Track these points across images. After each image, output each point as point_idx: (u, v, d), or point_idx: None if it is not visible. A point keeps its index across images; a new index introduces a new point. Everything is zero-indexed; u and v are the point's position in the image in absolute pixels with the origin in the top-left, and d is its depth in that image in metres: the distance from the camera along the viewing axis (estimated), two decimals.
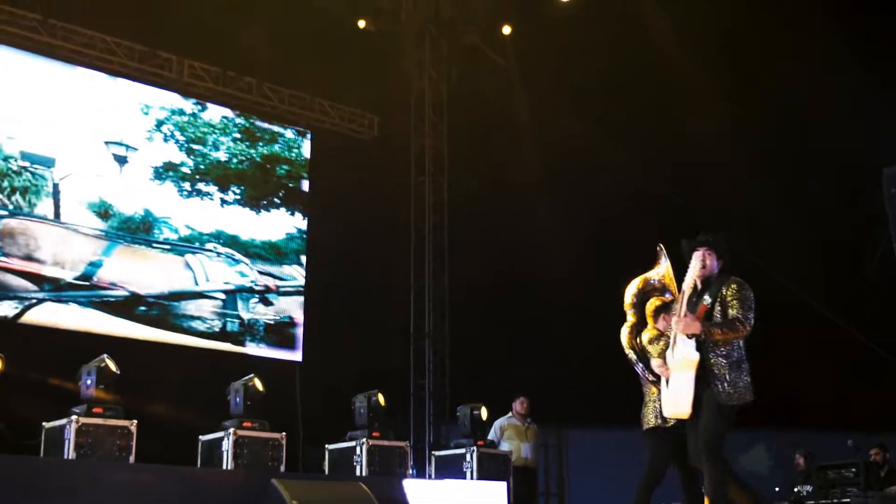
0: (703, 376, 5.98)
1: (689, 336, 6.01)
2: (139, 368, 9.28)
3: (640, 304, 7.28)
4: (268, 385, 8.99)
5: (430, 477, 10.07)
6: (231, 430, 8.33)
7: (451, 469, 9.68)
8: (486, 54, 14.51)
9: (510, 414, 11.13)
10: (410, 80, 14.82)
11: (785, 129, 12.86)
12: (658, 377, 6.78)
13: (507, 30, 14.33)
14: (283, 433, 8.65)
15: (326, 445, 9.43)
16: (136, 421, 7.82)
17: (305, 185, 14.14)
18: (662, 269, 7.23)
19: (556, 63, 13.57)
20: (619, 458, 12.55)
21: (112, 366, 8.15)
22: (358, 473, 8.83)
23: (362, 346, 12.75)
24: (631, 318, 7.29)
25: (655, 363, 6.84)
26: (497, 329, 13.14)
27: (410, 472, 9.29)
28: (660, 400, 6.74)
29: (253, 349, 13.02)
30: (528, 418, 11.13)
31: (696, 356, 5.98)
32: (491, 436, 10.69)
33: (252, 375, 8.91)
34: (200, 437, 8.77)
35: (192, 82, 13.26)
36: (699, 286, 6.24)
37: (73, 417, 7.57)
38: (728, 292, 6.04)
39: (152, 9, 12.15)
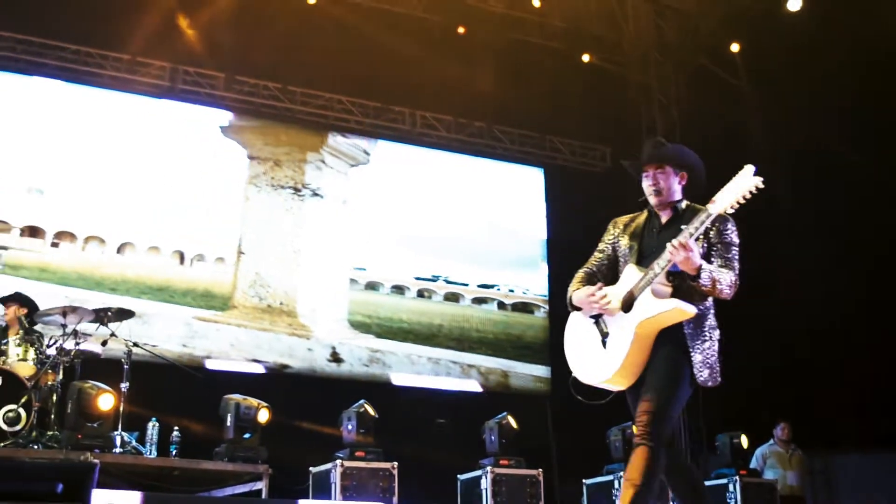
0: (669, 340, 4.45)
1: (670, 278, 4.41)
2: (393, 411, 9.55)
3: None
4: (520, 421, 9.06)
5: None
6: (488, 469, 8.45)
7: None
8: (716, 74, 14.12)
9: (772, 441, 10.70)
10: (639, 108, 14.63)
11: None
12: None
13: (735, 47, 13.87)
14: (540, 469, 8.67)
15: (584, 480, 9.37)
16: (396, 463, 8.07)
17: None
18: None
19: (790, 74, 12.99)
20: (892, 483, 11.80)
21: (370, 410, 8.49)
22: None
23: None
24: None
25: None
26: (749, 352, 12.60)
27: None
28: None
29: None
30: (792, 444, 10.66)
31: (693, 309, 4.39)
32: (753, 465, 10.31)
33: (505, 413, 9.01)
34: (459, 476, 8.93)
35: (426, 132, 13.65)
36: (658, 220, 4.73)
37: (338, 461, 7.90)
38: (713, 233, 4.51)
39: (379, 67, 12.60)
